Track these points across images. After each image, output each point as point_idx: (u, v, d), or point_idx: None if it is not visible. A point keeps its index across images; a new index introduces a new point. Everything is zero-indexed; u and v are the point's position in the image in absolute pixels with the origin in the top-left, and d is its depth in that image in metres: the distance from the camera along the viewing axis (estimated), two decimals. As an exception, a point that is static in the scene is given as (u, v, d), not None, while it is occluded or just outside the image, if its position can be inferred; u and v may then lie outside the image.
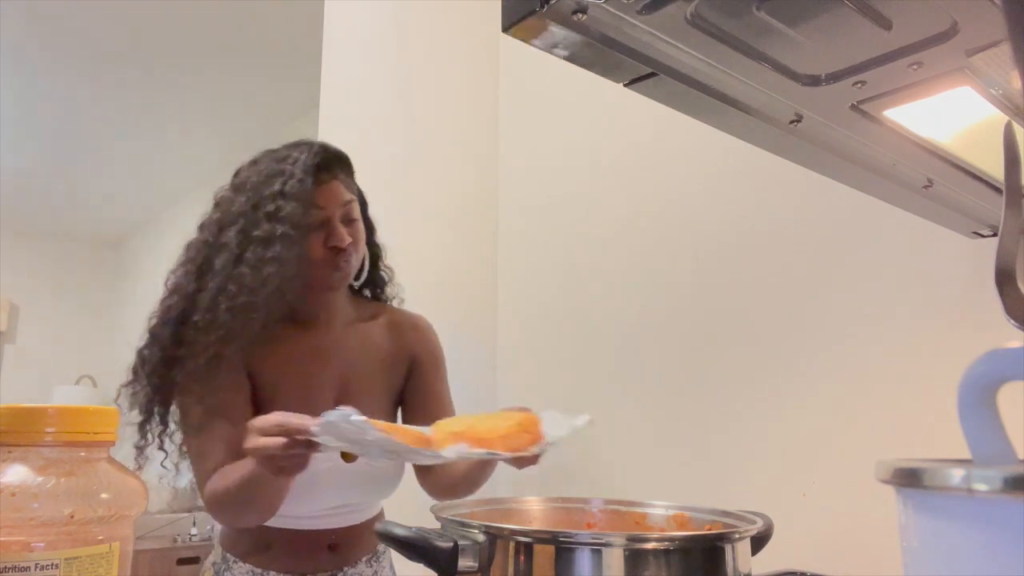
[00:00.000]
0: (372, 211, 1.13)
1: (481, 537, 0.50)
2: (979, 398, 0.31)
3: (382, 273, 1.18)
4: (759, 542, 0.59)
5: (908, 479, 0.31)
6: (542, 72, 1.85)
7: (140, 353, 0.99)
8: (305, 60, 2.04)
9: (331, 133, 1.69)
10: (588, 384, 1.61)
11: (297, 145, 1.03)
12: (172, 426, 1.00)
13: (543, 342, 1.74)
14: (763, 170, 1.30)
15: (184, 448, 1.00)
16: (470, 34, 1.93)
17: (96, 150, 4.30)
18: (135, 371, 0.99)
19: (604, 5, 0.48)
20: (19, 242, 5.49)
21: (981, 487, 0.27)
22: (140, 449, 1.00)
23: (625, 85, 0.58)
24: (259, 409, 1.00)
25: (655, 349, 1.47)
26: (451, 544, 0.50)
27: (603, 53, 0.53)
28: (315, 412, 1.00)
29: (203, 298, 0.94)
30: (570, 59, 0.55)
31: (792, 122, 0.65)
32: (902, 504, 0.32)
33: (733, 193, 1.37)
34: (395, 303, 1.19)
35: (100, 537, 0.49)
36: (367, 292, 1.18)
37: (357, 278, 1.10)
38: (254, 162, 1.04)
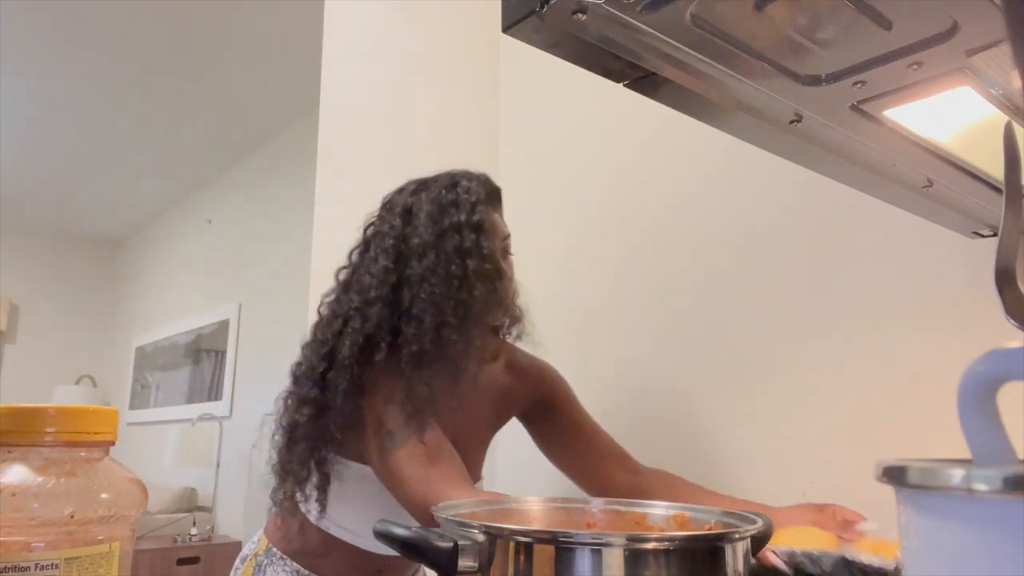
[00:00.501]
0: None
1: (481, 537, 0.50)
2: (979, 398, 0.31)
3: (514, 311, 1.16)
4: (759, 542, 0.59)
5: (907, 479, 0.31)
6: (542, 72, 1.85)
7: (333, 388, 0.92)
8: (305, 60, 2.04)
9: (331, 133, 1.69)
10: (587, 384, 1.61)
11: (461, 174, 1.02)
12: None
13: (543, 342, 1.74)
14: (762, 170, 1.30)
15: (382, 463, 0.91)
16: (470, 34, 1.93)
17: (96, 150, 4.31)
18: (315, 404, 0.92)
19: (604, 5, 0.48)
20: (19, 242, 5.50)
21: (981, 487, 0.27)
22: (323, 491, 0.95)
23: (625, 85, 0.58)
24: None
25: (654, 348, 1.47)
26: (451, 544, 0.50)
27: (603, 53, 0.53)
28: None
29: (410, 328, 0.91)
30: (570, 59, 0.55)
31: (792, 122, 0.65)
32: (902, 504, 0.32)
33: (732, 193, 1.37)
34: (512, 339, 1.17)
35: (100, 537, 0.49)
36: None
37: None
38: (412, 191, 1.01)
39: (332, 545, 0.99)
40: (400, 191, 1.04)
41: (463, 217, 0.95)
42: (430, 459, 0.87)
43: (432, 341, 0.91)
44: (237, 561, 1.08)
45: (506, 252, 1.04)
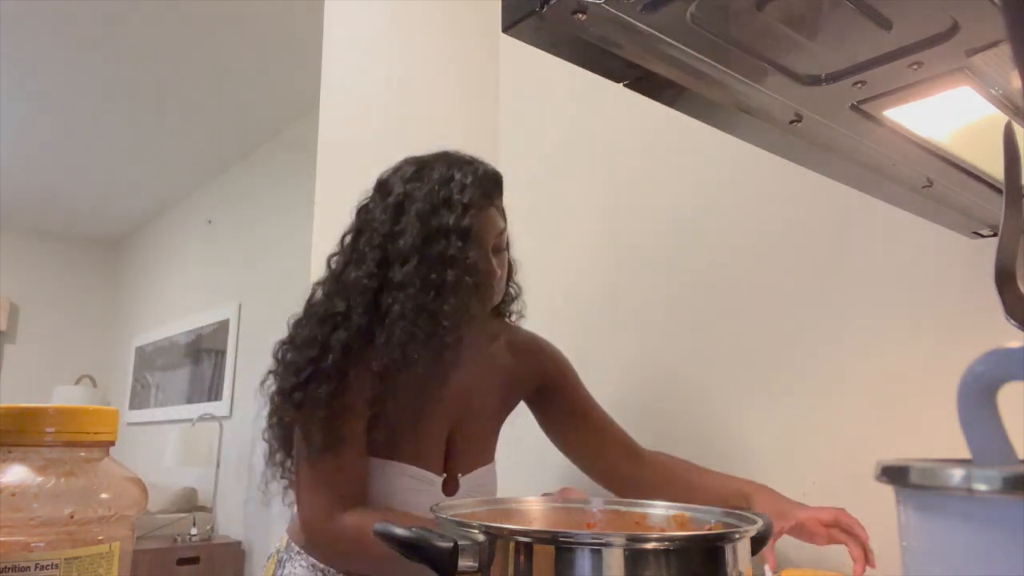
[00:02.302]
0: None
1: (481, 537, 0.50)
2: (979, 398, 0.31)
3: (511, 289, 1.17)
4: (759, 542, 0.58)
5: (907, 479, 0.31)
6: (542, 72, 1.85)
7: (305, 389, 0.92)
8: (305, 60, 2.04)
9: (331, 133, 1.69)
10: (587, 384, 1.61)
11: (459, 164, 0.99)
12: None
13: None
14: (763, 170, 1.30)
15: (297, 470, 0.96)
16: (470, 34, 1.93)
17: (96, 150, 4.31)
18: (299, 405, 0.92)
19: (604, 5, 0.48)
20: (19, 242, 5.50)
21: (981, 487, 0.27)
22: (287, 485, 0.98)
23: (625, 85, 0.58)
24: (387, 430, 0.97)
25: (655, 348, 1.47)
26: (451, 544, 0.50)
27: (603, 53, 0.53)
28: (429, 434, 1.02)
29: (381, 338, 0.92)
30: (570, 59, 0.55)
31: (792, 122, 0.65)
32: (902, 504, 0.32)
33: (732, 193, 1.37)
34: (514, 318, 1.19)
35: (100, 537, 0.49)
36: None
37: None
38: (408, 178, 0.99)
39: None
40: (396, 171, 1.02)
41: (451, 221, 0.93)
42: (326, 482, 0.91)
43: (400, 353, 0.91)
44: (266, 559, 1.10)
45: (499, 248, 1.02)
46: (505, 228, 1.03)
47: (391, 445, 0.98)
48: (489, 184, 1.00)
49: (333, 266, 1.01)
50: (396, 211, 0.97)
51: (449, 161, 1.00)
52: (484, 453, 1.11)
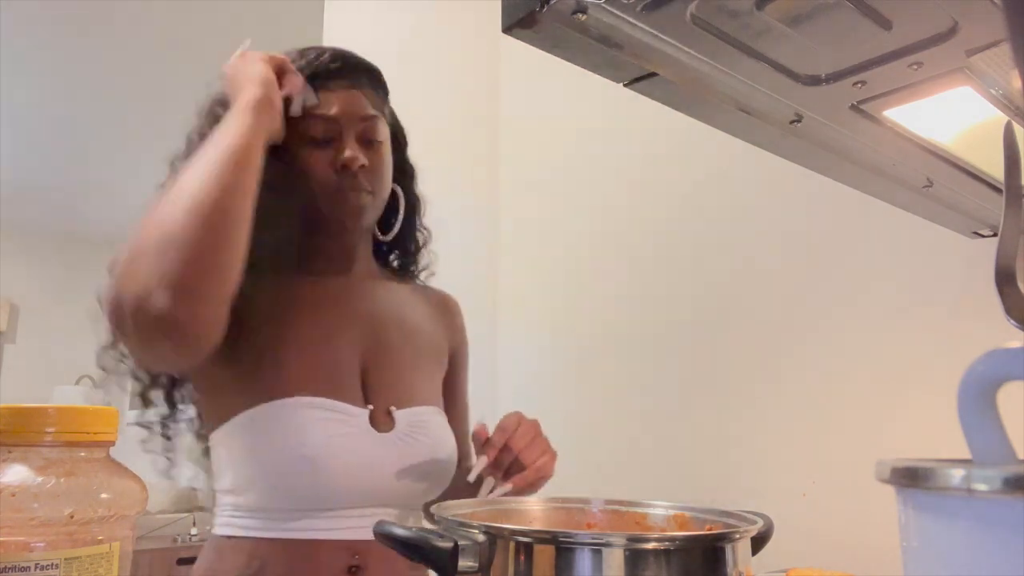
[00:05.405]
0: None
1: (481, 537, 0.50)
2: (979, 398, 0.31)
3: (418, 233, 1.00)
4: (759, 542, 0.59)
5: (908, 479, 0.31)
6: (542, 72, 1.85)
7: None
8: (305, 60, 2.04)
9: (331, 133, 1.69)
10: (588, 384, 1.61)
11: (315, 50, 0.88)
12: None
13: (543, 342, 1.74)
14: (762, 170, 1.30)
15: None
16: (470, 34, 1.93)
17: (96, 150, 4.31)
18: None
19: (604, 5, 0.48)
20: (19, 242, 5.50)
21: (981, 487, 0.27)
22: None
23: (625, 85, 0.58)
24: (262, 368, 0.83)
25: (655, 349, 1.47)
26: (451, 544, 0.50)
27: (603, 53, 0.53)
28: (338, 365, 0.85)
29: None
30: (570, 59, 0.55)
31: (792, 122, 0.65)
32: (902, 504, 0.32)
33: (732, 193, 1.37)
34: (424, 276, 1.04)
35: (100, 537, 0.49)
36: (394, 260, 1.02)
37: (386, 230, 0.93)
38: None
39: (263, 548, 0.79)
40: None
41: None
42: None
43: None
44: None
45: (367, 137, 0.87)
46: (375, 117, 0.88)
47: (287, 380, 0.82)
48: (347, 65, 0.89)
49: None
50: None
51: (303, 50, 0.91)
52: (415, 391, 0.91)
